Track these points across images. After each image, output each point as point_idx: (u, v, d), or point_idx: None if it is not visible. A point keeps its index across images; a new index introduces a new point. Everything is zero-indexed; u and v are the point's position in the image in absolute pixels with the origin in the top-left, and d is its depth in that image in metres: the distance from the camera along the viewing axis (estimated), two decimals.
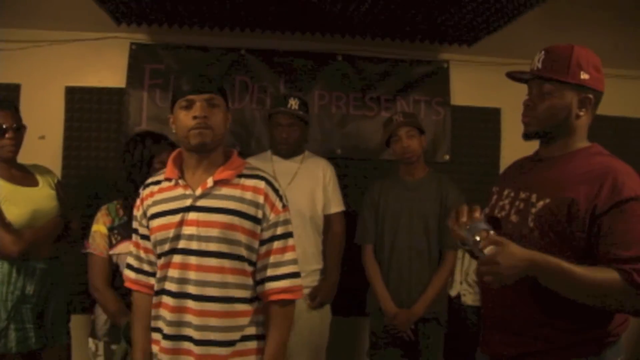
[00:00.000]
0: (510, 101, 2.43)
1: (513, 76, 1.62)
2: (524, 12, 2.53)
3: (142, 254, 1.68)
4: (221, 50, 3.13)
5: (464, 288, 2.90)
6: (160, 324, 1.60)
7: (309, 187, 2.55)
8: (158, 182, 1.67)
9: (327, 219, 2.61)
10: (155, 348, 1.61)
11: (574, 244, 1.42)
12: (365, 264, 2.57)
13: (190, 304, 1.55)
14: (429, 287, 2.45)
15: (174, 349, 1.56)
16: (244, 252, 1.58)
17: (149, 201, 1.64)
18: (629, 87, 3.35)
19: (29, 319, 2.15)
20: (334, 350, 2.65)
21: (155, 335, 1.62)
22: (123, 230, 2.08)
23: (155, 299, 1.63)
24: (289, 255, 1.63)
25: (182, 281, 1.56)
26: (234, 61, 3.14)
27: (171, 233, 1.57)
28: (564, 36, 2.88)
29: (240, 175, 1.62)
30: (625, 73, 3.34)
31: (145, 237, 1.66)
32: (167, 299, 1.58)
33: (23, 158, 2.36)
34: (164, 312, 1.59)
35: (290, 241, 1.65)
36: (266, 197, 1.60)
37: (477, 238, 1.38)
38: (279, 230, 1.62)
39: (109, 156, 3.05)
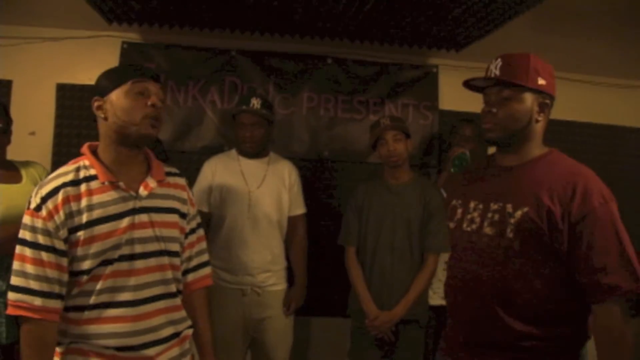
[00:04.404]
0: None
1: (470, 85, 1.61)
2: (512, 18, 2.56)
3: (52, 274, 1.37)
4: (212, 51, 3.15)
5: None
6: (107, 341, 1.42)
7: (276, 190, 2.56)
8: (76, 183, 1.44)
9: (291, 220, 2.63)
10: None
11: (555, 251, 1.43)
12: (348, 265, 2.58)
13: (149, 307, 1.48)
14: (410, 290, 2.46)
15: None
16: (179, 247, 1.61)
17: (75, 207, 1.41)
18: (616, 95, 3.39)
19: (1, 313, 2.15)
20: (315, 351, 2.67)
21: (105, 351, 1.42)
22: None
23: (83, 315, 1.42)
24: (204, 244, 1.74)
25: (139, 287, 1.47)
26: (225, 62, 3.16)
27: (123, 239, 1.44)
28: (552, 41, 2.93)
29: (167, 173, 1.63)
30: (614, 82, 3.36)
31: (62, 253, 1.39)
32: (116, 311, 1.43)
33: (13, 154, 2.38)
34: (111, 327, 1.42)
35: (202, 231, 1.75)
36: (188, 192, 1.67)
37: None
38: (197, 221, 1.71)
39: None
